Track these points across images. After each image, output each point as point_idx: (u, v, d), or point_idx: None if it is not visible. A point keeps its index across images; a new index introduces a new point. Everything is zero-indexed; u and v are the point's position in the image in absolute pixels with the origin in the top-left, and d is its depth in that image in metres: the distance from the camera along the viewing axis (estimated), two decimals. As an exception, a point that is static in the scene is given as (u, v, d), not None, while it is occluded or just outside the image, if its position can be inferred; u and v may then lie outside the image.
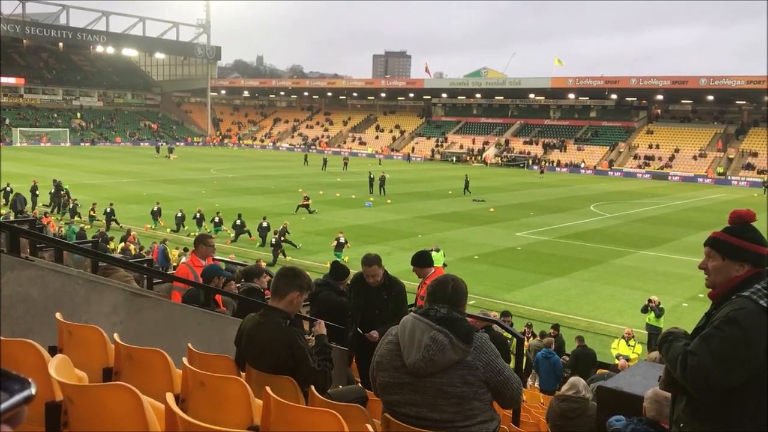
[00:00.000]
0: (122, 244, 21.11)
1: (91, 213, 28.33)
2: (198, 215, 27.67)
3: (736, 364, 2.55)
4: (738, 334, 2.56)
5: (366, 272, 6.31)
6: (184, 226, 27.65)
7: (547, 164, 69.65)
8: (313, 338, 4.10)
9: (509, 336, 9.98)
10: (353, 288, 6.61)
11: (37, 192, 31.35)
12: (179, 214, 27.91)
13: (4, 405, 0.78)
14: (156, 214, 28.39)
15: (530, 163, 72.81)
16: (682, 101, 76.34)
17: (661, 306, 15.87)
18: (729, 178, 63.39)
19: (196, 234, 12.59)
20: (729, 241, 2.81)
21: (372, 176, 41.89)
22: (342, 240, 23.46)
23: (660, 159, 69.02)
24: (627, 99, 78.70)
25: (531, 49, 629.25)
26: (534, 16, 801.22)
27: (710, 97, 70.90)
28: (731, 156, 67.14)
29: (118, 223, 27.45)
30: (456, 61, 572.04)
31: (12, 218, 20.49)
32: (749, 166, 64.48)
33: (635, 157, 71.11)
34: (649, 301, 16.05)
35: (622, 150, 73.15)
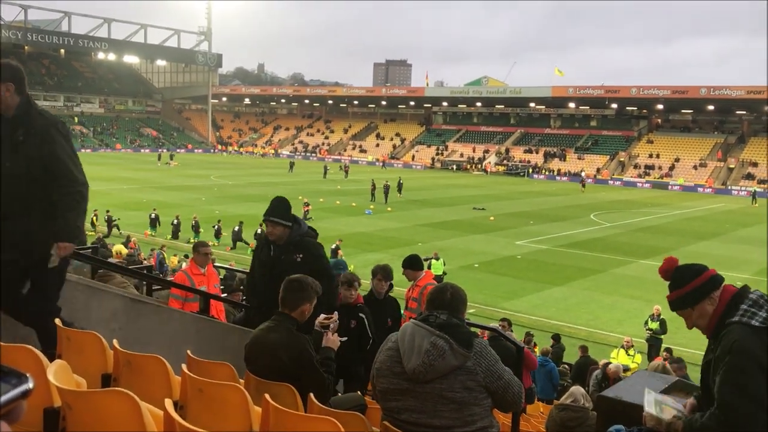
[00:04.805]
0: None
1: (93, 220, 28.28)
2: (194, 222, 27.68)
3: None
4: (747, 362, 2.59)
5: None
6: (181, 232, 27.68)
7: (590, 177, 67.11)
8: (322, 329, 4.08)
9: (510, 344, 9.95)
10: None
11: None
12: (175, 221, 27.96)
13: (3, 398, 0.78)
14: (155, 221, 28.43)
15: (530, 171, 72.90)
16: (683, 111, 76.42)
17: (662, 317, 15.83)
18: (729, 187, 63.39)
19: (195, 241, 12.64)
20: (681, 295, 2.90)
21: (374, 184, 41.82)
22: (333, 247, 22.60)
23: (660, 168, 69.06)
24: (627, 108, 78.76)
25: (537, 60, 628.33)
26: (538, 29, 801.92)
27: (710, 107, 70.95)
28: (731, 166, 67.17)
29: (119, 229, 27.49)
30: (457, 71, 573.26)
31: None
32: (749, 176, 64.53)
33: (635, 167, 71.16)
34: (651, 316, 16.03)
35: (622, 159, 73.19)
